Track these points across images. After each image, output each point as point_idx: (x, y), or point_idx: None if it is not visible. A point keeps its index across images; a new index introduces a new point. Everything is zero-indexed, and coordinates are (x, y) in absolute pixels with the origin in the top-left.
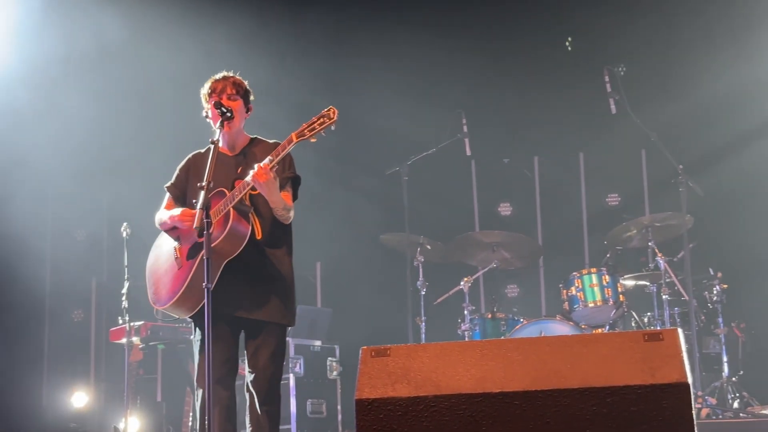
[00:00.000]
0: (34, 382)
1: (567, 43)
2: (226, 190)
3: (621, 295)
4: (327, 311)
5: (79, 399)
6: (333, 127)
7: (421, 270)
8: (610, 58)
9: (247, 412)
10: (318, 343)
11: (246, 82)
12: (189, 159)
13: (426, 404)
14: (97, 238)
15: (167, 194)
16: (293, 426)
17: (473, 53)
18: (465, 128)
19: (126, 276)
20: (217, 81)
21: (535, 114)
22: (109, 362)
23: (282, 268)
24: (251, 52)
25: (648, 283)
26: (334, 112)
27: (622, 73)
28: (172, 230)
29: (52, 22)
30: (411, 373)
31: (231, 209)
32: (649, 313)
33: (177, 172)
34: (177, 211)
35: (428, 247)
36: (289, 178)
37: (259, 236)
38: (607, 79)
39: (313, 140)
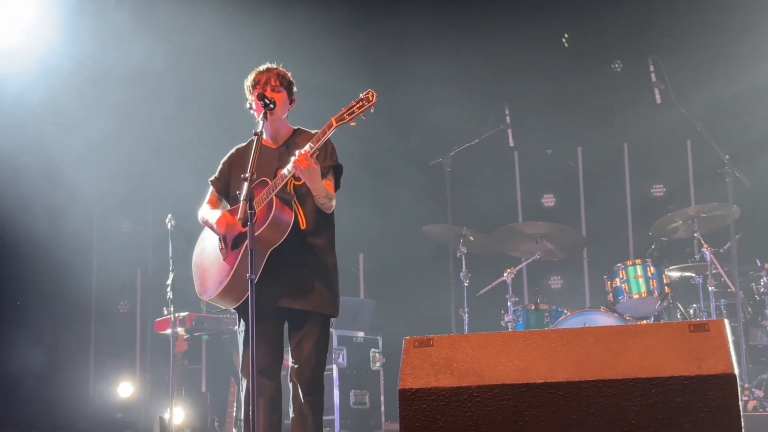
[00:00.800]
0: (81, 372)
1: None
2: (268, 180)
3: (666, 287)
4: (370, 302)
5: (125, 389)
6: (372, 110)
7: (464, 261)
8: (654, 48)
9: (291, 403)
10: (361, 334)
11: (290, 74)
12: (232, 153)
13: (469, 394)
14: (142, 230)
15: (210, 188)
16: (336, 417)
17: (517, 43)
18: (508, 119)
19: (171, 267)
20: (260, 73)
21: (579, 104)
22: (155, 353)
23: (325, 258)
24: (293, 44)
25: (694, 275)
26: (372, 95)
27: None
28: None
29: (94, 14)
30: (454, 364)
31: (274, 198)
32: (694, 305)
33: (220, 166)
34: (215, 215)
35: (471, 238)
36: (331, 166)
37: (303, 226)
38: (652, 68)
39: (352, 124)
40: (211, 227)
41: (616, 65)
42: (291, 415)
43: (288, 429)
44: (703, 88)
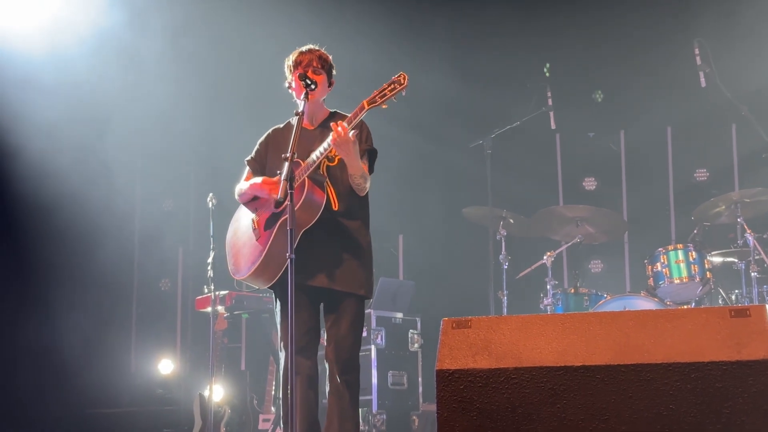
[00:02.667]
0: (123, 349)
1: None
2: (301, 161)
3: (708, 272)
4: (409, 284)
5: (166, 366)
6: (404, 93)
7: (503, 244)
8: (700, 31)
9: (327, 382)
10: (400, 315)
11: (331, 57)
12: (269, 133)
13: (506, 376)
14: (184, 209)
15: (246, 168)
16: (374, 397)
17: (559, 25)
18: (550, 101)
19: (212, 246)
20: (302, 53)
21: (622, 87)
22: (195, 331)
23: (360, 239)
24: (333, 26)
25: (736, 260)
26: (404, 78)
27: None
28: (251, 202)
29: None
30: (492, 345)
31: (306, 179)
32: (737, 291)
33: (257, 146)
34: (258, 179)
35: (511, 221)
36: (366, 150)
37: (335, 207)
38: (697, 51)
39: (384, 107)
40: (254, 191)
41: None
42: (328, 394)
43: (325, 408)
44: (749, 71)
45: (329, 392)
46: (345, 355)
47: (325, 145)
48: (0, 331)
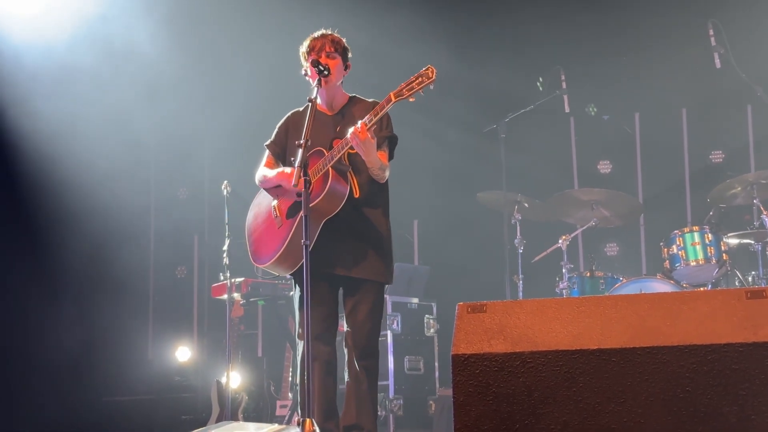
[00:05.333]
0: (140, 337)
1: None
2: (324, 150)
3: (724, 254)
4: (424, 269)
5: (183, 353)
6: (432, 87)
7: (518, 228)
8: (714, 11)
9: (346, 368)
10: (415, 300)
11: (344, 40)
12: (288, 117)
13: (522, 360)
14: (199, 196)
15: (267, 152)
16: (391, 382)
17: (572, 7)
18: (564, 84)
19: (227, 233)
20: (315, 39)
21: (636, 69)
22: (211, 318)
23: (379, 226)
24: (350, 10)
25: (752, 242)
26: (432, 71)
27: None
28: (274, 188)
29: None
30: (507, 329)
31: (330, 168)
32: (753, 272)
33: (276, 129)
34: (287, 169)
35: (526, 204)
36: (386, 137)
37: (357, 195)
38: (711, 32)
39: (411, 99)
40: (276, 181)
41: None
42: (346, 379)
43: (343, 394)
44: (764, 52)
45: (348, 378)
46: (364, 341)
47: (347, 137)
48: (17, 320)
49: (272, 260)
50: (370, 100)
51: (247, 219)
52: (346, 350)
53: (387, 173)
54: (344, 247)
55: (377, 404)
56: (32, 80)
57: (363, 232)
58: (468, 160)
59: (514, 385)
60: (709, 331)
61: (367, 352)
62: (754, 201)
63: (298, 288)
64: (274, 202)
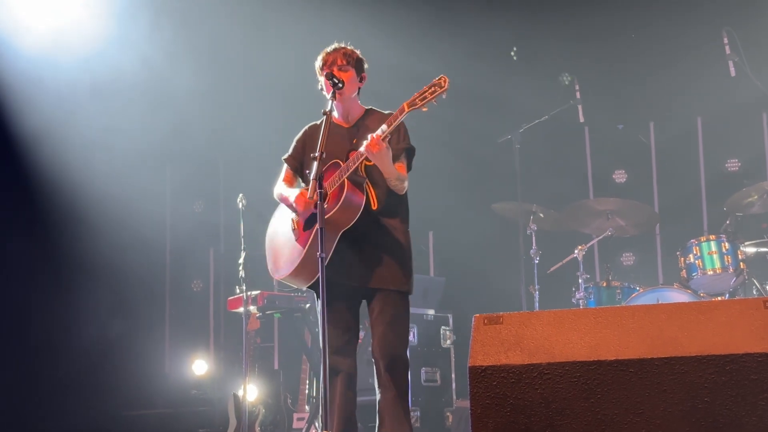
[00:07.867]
0: (157, 350)
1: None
2: (341, 162)
3: (741, 263)
4: (440, 280)
5: (200, 367)
6: (444, 96)
7: (534, 238)
8: (728, 20)
9: (375, 379)
10: (431, 311)
11: (358, 52)
12: (305, 130)
13: (539, 371)
14: (215, 210)
15: (285, 166)
16: (408, 394)
17: (587, 17)
18: (578, 94)
19: (242, 246)
20: (328, 53)
21: (651, 78)
22: (228, 331)
23: (398, 236)
24: (364, 23)
25: None
26: (445, 81)
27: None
28: None
29: None
30: (524, 341)
31: (345, 180)
32: None
33: (294, 143)
34: (294, 192)
35: (541, 215)
36: (404, 149)
37: (374, 206)
38: (726, 40)
39: (424, 109)
40: (290, 205)
41: (513, 53)
42: (377, 390)
43: (360, 405)
44: None
45: (378, 391)
46: (389, 351)
47: (361, 150)
48: (36, 333)
49: (289, 272)
50: (386, 111)
51: (268, 232)
52: (374, 362)
53: (406, 184)
54: (362, 258)
55: (410, 417)
56: (71, 92)
57: (382, 243)
58: (483, 171)
59: (532, 397)
60: (727, 341)
61: (393, 362)
62: None
63: (318, 301)
64: (293, 216)
